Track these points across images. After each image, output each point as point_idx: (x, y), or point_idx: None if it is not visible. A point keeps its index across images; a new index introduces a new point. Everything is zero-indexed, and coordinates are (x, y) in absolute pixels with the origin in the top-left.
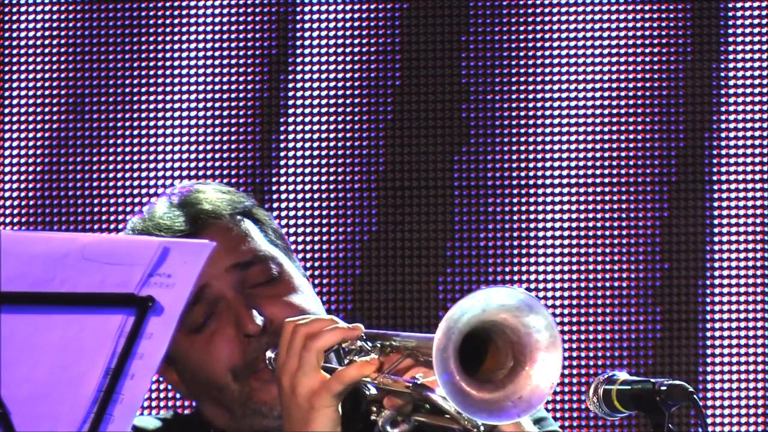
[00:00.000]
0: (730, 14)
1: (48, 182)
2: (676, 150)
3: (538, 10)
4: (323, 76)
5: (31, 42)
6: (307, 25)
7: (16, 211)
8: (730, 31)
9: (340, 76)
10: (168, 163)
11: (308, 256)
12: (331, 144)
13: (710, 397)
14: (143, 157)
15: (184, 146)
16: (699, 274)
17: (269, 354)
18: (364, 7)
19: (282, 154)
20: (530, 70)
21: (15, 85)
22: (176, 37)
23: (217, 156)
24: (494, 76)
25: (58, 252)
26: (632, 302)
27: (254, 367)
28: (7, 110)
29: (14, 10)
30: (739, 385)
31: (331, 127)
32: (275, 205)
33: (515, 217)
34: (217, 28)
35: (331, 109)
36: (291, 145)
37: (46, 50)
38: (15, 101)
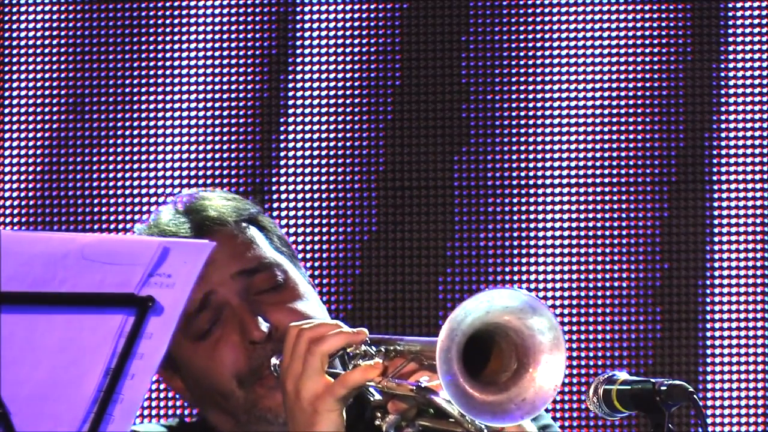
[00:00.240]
0: (730, 14)
1: (48, 182)
2: (676, 150)
3: (538, 10)
4: (323, 76)
5: (31, 42)
6: (307, 25)
7: (16, 211)
8: (730, 31)
9: (340, 76)
10: (168, 163)
11: (308, 256)
12: (331, 144)
13: (710, 397)
14: (143, 157)
15: (184, 146)
16: (699, 274)
17: (274, 360)
18: (364, 7)
19: (282, 154)
20: (530, 70)
21: (15, 85)
22: (176, 37)
23: (216, 156)
24: (494, 76)
25: (58, 252)
26: (632, 302)
27: (259, 374)
28: (7, 110)
29: (14, 10)
30: (739, 385)
31: (331, 127)
32: (275, 205)
33: (515, 217)
34: (217, 28)
35: (331, 109)
36: (291, 145)
37: (46, 50)
38: (15, 101)
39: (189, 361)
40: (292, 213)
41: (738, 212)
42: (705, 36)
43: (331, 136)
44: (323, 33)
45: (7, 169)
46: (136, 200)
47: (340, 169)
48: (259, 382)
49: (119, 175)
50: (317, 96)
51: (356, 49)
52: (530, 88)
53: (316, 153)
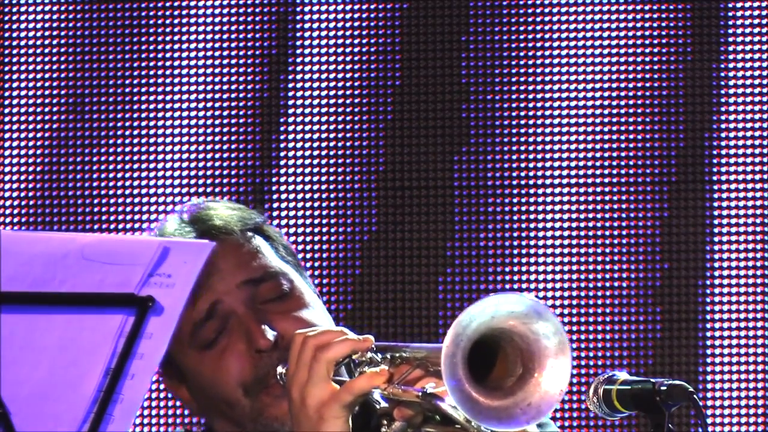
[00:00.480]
0: (730, 14)
1: (48, 182)
2: (676, 150)
3: (538, 10)
4: (323, 76)
5: (31, 42)
6: (307, 25)
7: (16, 211)
8: (730, 31)
9: (340, 76)
10: (168, 163)
11: (308, 256)
12: (331, 144)
13: (710, 397)
14: (143, 157)
15: (184, 146)
16: (699, 274)
17: (280, 369)
18: (364, 7)
19: (282, 154)
20: (530, 70)
21: (15, 85)
22: (176, 37)
23: (217, 156)
24: (494, 76)
25: (58, 252)
26: (632, 302)
27: (265, 383)
28: (7, 110)
29: (14, 10)
30: (739, 385)
31: (331, 127)
32: (275, 205)
33: (515, 218)
34: (217, 28)
35: (331, 109)
36: (291, 145)
37: (46, 50)
38: (15, 101)
39: (195, 371)
40: (292, 213)
41: (738, 212)
42: (705, 36)
43: (331, 136)
44: (323, 33)
45: (7, 169)
46: (136, 200)
47: (340, 169)
48: (265, 391)
49: (119, 175)
50: (317, 96)
51: (356, 49)
52: (530, 88)
53: (316, 153)
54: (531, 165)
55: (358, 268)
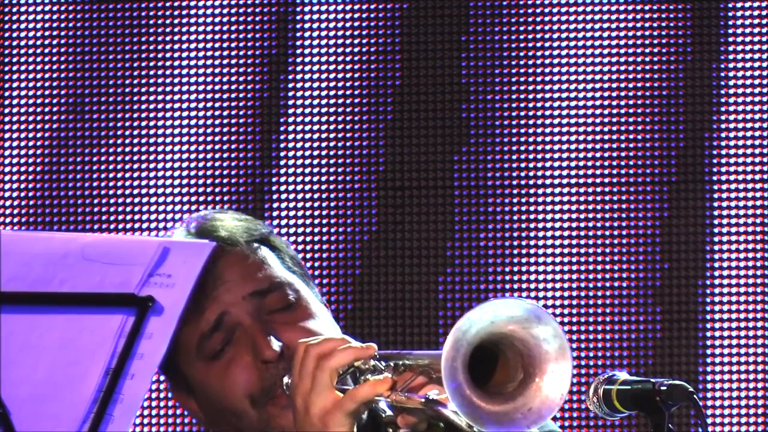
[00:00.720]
0: (730, 14)
1: (48, 182)
2: (676, 150)
3: (538, 10)
4: (323, 76)
5: (31, 42)
6: (307, 25)
7: (16, 211)
8: (730, 31)
9: (340, 76)
10: (168, 163)
11: (308, 256)
12: (331, 144)
13: (710, 397)
14: (143, 157)
15: (184, 146)
16: (699, 274)
17: (286, 380)
18: (364, 7)
19: (282, 154)
20: (530, 70)
21: (15, 85)
22: (176, 37)
23: (216, 156)
24: (494, 76)
25: (58, 252)
26: (632, 302)
27: (272, 393)
28: (7, 110)
29: (14, 10)
30: (739, 385)
31: (331, 127)
32: (275, 205)
33: (515, 218)
34: (217, 28)
35: (331, 109)
36: (291, 145)
37: (46, 50)
38: (15, 101)
39: (202, 382)
40: (292, 213)
41: (738, 212)
42: (705, 36)
43: (331, 136)
44: (323, 33)
45: (7, 169)
46: (136, 200)
47: (340, 169)
48: (271, 402)
49: (119, 175)
50: (317, 96)
51: (356, 49)
52: (530, 88)
53: (316, 153)
54: (531, 165)
55: (358, 268)
